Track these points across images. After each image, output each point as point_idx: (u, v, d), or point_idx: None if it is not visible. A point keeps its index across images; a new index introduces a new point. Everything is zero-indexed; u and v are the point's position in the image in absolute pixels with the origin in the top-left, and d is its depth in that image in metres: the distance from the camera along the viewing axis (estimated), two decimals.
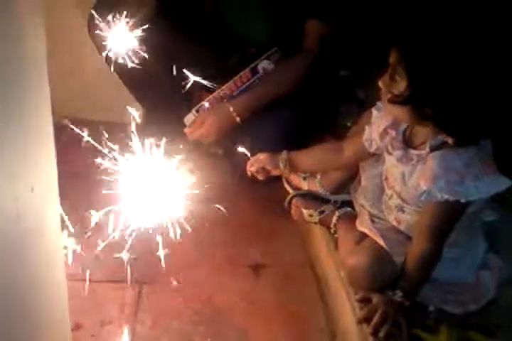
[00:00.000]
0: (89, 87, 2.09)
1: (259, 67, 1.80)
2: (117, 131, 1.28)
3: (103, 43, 1.77)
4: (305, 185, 1.68)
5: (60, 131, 1.16)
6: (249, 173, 1.61)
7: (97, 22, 1.75)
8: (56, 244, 1.03)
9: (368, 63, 1.98)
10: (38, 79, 0.89)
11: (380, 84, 1.24)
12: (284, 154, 1.58)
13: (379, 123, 1.39)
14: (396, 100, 1.19)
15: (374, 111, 1.41)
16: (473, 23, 1.18)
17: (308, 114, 1.83)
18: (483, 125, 1.19)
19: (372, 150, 1.44)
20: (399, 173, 1.32)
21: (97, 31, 1.73)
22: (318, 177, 1.65)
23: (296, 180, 1.69)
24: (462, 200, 1.20)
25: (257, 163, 1.59)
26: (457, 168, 1.20)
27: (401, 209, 1.36)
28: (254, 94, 1.74)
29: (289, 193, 1.67)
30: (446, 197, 1.20)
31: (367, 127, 1.43)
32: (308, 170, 1.65)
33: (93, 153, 1.24)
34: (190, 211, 1.26)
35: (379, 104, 1.39)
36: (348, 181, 1.60)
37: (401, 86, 1.18)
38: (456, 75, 1.13)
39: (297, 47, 1.80)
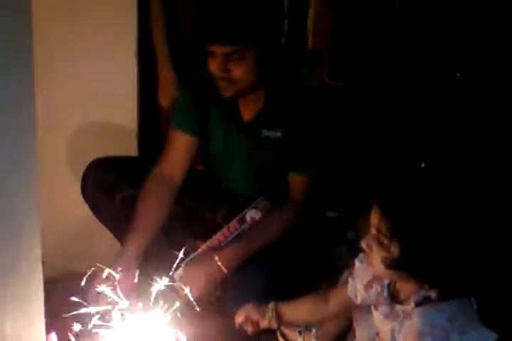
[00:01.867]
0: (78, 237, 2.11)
1: (247, 217, 1.82)
2: None
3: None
4: (301, 340, 1.64)
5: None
6: (237, 325, 1.57)
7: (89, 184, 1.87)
8: None
9: (355, 204, 2.04)
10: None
11: (363, 246, 1.25)
12: (271, 304, 1.56)
13: (362, 275, 1.38)
14: (391, 264, 1.20)
15: (356, 263, 1.41)
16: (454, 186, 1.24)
17: (297, 260, 1.81)
18: (465, 278, 1.20)
19: (358, 302, 1.42)
20: (388, 329, 1.29)
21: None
22: (314, 331, 1.63)
23: (292, 334, 1.64)
24: None
25: (244, 313, 1.57)
26: (441, 323, 1.19)
27: None
28: (241, 245, 1.73)
29: None
30: None
31: (350, 279, 1.42)
32: (296, 322, 1.61)
33: None
34: None
35: (361, 255, 1.39)
36: (345, 333, 1.56)
37: (392, 251, 1.19)
38: (445, 239, 1.16)
39: (284, 195, 1.82)
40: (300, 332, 1.64)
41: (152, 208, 1.75)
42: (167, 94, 2.03)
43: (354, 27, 2.25)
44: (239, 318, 1.58)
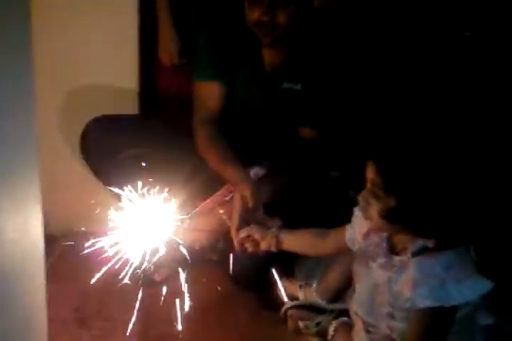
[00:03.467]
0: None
1: (251, 173, 1.84)
2: None
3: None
4: (301, 294, 1.66)
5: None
6: (236, 243, 1.58)
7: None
8: None
9: (356, 164, 2.04)
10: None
11: (360, 199, 1.26)
12: (273, 230, 1.57)
13: (361, 224, 1.39)
14: (387, 216, 1.21)
15: (356, 211, 1.42)
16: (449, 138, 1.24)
17: (302, 219, 1.82)
18: (461, 230, 1.21)
19: (354, 249, 1.44)
20: (385, 280, 1.31)
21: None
22: (314, 285, 1.65)
23: (292, 288, 1.67)
24: (446, 305, 1.19)
25: (246, 231, 1.58)
26: (437, 272, 1.20)
27: (392, 316, 1.33)
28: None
29: (283, 303, 1.64)
30: (428, 303, 1.19)
31: (349, 226, 1.44)
32: (291, 250, 1.61)
33: None
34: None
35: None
36: (345, 288, 1.58)
37: (387, 203, 1.20)
38: (441, 187, 1.17)
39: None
40: (300, 286, 1.66)
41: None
42: (168, 49, 2.01)
43: None
44: (241, 234, 1.58)
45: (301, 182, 1.84)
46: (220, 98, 1.82)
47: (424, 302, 1.20)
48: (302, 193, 1.84)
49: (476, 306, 1.28)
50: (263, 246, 1.57)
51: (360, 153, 1.39)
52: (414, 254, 1.24)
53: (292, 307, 1.62)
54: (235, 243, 1.59)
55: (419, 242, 1.24)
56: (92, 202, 1.55)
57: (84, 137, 1.84)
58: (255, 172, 1.84)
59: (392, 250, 1.32)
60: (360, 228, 1.40)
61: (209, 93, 1.82)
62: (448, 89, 2.06)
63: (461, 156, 1.21)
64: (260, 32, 1.69)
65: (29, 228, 1.01)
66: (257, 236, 1.57)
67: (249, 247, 1.58)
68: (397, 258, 1.29)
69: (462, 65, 2.12)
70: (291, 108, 1.82)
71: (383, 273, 1.32)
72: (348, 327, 1.50)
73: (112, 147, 1.80)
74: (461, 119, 1.94)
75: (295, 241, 1.58)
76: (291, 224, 1.73)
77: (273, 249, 1.56)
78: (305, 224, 1.75)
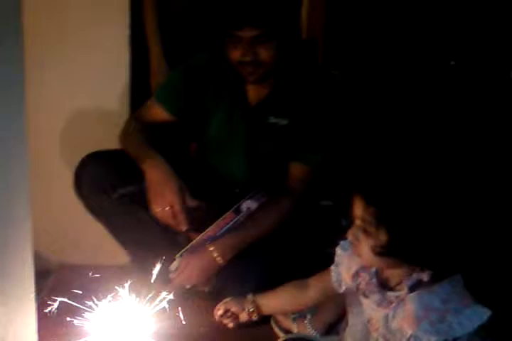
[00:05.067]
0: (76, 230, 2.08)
1: (243, 207, 1.82)
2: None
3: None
4: (295, 327, 1.64)
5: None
6: (216, 318, 1.57)
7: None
8: None
9: (347, 192, 2.04)
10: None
11: (350, 237, 1.25)
12: (250, 297, 1.55)
13: (349, 265, 1.38)
14: (381, 251, 1.20)
15: (338, 251, 1.41)
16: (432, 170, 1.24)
17: (293, 250, 1.82)
18: (455, 258, 1.21)
19: (341, 291, 1.42)
20: (381, 317, 1.29)
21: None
22: (309, 317, 1.63)
23: (286, 321, 1.65)
24: (449, 339, 1.18)
25: (223, 306, 1.57)
26: (436, 306, 1.19)
27: None
28: (237, 235, 1.73)
29: (278, 336, 1.62)
30: (433, 339, 1.17)
31: (333, 267, 1.43)
32: (276, 312, 1.62)
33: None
34: None
35: (343, 243, 1.40)
36: (338, 320, 1.57)
37: (380, 238, 1.19)
38: (432, 216, 1.17)
39: (280, 185, 1.82)
40: (294, 319, 1.64)
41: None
42: (160, 82, 2.02)
43: (348, 16, 2.25)
44: (218, 311, 1.57)
45: (293, 211, 1.82)
46: (160, 122, 1.84)
47: (428, 339, 1.18)
48: (293, 223, 1.82)
49: (470, 335, 1.25)
50: (243, 318, 1.56)
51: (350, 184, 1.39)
52: (411, 289, 1.23)
53: (288, 340, 1.59)
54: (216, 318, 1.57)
55: (414, 276, 1.23)
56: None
57: (78, 175, 1.83)
58: (247, 205, 1.84)
59: (385, 286, 1.31)
60: (347, 267, 1.39)
61: (155, 115, 1.84)
62: (434, 120, 2.09)
63: (449, 185, 1.22)
64: (245, 71, 1.68)
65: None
66: (234, 309, 1.56)
67: (229, 323, 1.56)
68: (392, 294, 1.28)
69: (447, 95, 2.16)
70: (278, 143, 1.80)
71: (378, 310, 1.30)
72: None
73: (106, 185, 1.78)
74: (449, 147, 1.95)
75: (275, 303, 1.57)
76: (280, 262, 1.75)
77: (254, 318, 1.55)
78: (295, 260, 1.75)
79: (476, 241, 1.22)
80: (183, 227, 1.70)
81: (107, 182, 1.78)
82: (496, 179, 1.88)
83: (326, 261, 1.71)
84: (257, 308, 1.55)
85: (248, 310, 1.55)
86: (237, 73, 1.72)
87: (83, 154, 1.82)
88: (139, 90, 2.04)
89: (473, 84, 2.12)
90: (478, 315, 1.20)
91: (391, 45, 2.24)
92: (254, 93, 1.79)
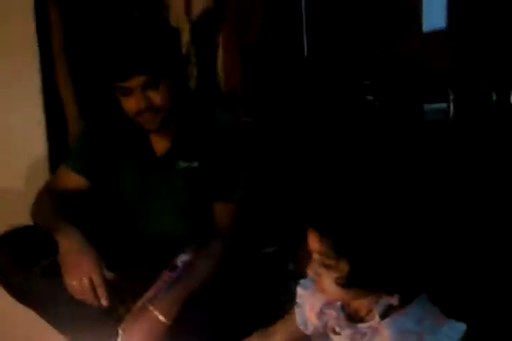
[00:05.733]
0: None
1: (178, 263, 1.71)
2: None
3: None
4: None
5: None
6: None
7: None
8: None
9: (290, 235, 2.02)
10: None
11: (310, 274, 1.19)
12: None
13: (312, 304, 1.30)
14: (345, 282, 1.14)
15: (299, 291, 1.34)
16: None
17: (240, 300, 1.73)
18: (420, 278, 1.16)
19: (309, 332, 1.34)
20: None
21: None
22: None
23: None
24: None
25: None
26: (411, 328, 1.14)
27: None
28: (174, 289, 1.63)
29: None
30: None
31: (296, 309, 1.35)
32: None
33: None
34: None
35: (303, 282, 1.34)
36: None
37: (341, 269, 1.13)
38: (389, 244, 1.12)
39: (212, 232, 1.74)
40: None
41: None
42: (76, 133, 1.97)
43: (264, 67, 2.32)
44: None
45: (231, 265, 1.73)
46: (74, 189, 1.82)
47: None
48: (236, 274, 1.74)
49: None
50: None
51: (296, 222, 1.35)
52: (382, 316, 1.17)
53: None
54: None
55: (382, 302, 1.17)
56: None
57: None
58: (182, 259, 1.76)
59: (354, 318, 1.24)
60: (310, 307, 1.31)
61: (66, 181, 1.82)
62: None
63: (403, 204, 1.18)
64: (144, 120, 1.68)
65: None
66: None
67: None
68: (363, 326, 1.21)
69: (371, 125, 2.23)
70: (196, 187, 1.77)
71: None
72: None
73: (24, 262, 1.66)
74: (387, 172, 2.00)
75: None
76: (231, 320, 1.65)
77: None
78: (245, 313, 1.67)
79: (437, 257, 1.20)
80: (105, 302, 1.61)
81: (27, 257, 1.67)
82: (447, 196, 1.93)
83: (281, 308, 1.66)
84: None
85: None
86: (137, 126, 1.72)
87: None
88: (59, 157, 1.98)
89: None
90: (455, 331, 1.15)
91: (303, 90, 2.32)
92: (158, 143, 1.78)
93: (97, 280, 1.59)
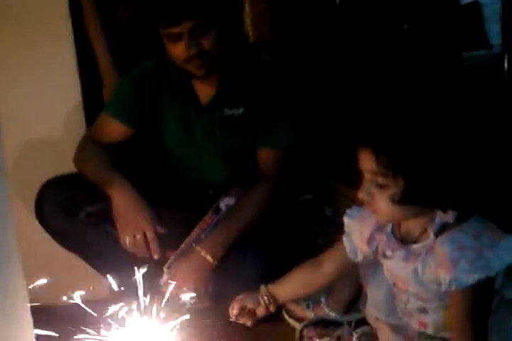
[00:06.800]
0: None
1: (221, 206, 1.75)
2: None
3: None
4: (310, 314, 1.55)
5: None
6: (233, 318, 1.50)
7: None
8: None
9: (327, 182, 2.04)
10: None
11: (361, 196, 1.20)
12: (262, 288, 1.49)
13: (361, 231, 1.33)
14: (401, 199, 1.15)
15: (346, 220, 1.37)
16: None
17: (282, 243, 1.75)
18: (476, 194, 1.18)
19: (358, 260, 1.37)
20: (410, 273, 1.24)
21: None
22: (323, 300, 1.54)
23: (299, 310, 1.56)
24: (491, 275, 1.13)
25: (237, 304, 1.49)
26: (470, 243, 1.15)
27: (423, 311, 1.27)
28: (222, 231, 1.67)
29: (294, 327, 1.54)
30: (475, 278, 1.13)
31: (344, 238, 1.38)
32: (294, 299, 1.54)
33: None
34: None
35: (349, 211, 1.37)
36: (356, 297, 1.50)
37: (398, 185, 1.15)
38: (445, 158, 1.14)
39: (255, 177, 1.76)
40: (307, 305, 1.55)
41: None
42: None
43: (292, 14, 2.28)
44: (233, 311, 1.51)
45: (272, 211, 1.75)
46: (118, 139, 1.80)
47: (469, 279, 1.13)
48: (277, 219, 1.76)
49: (503, 279, 1.22)
50: (260, 312, 1.50)
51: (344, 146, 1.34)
52: (437, 234, 1.19)
53: (306, 326, 1.51)
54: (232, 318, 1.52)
55: (438, 220, 1.19)
56: None
57: (39, 203, 1.73)
58: (226, 202, 1.76)
59: (405, 240, 1.26)
60: (360, 234, 1.34)
61: (109, 130, 1.80)
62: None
63: (459, 120, 1.20)
64: (193, 66, 1.66)
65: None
66: (250, 305, 1.50)
67: (247, 321, 1.51)
68: (418, 246, 1.23)
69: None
70: (241, 134, 1.76)
71: (406, 266, 1.25)
72: (371, 335, 1.42)
73: (70, 207, 1.70)
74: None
75: (290, 289, 1.50)
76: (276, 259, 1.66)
77: (272, 310, 1.50)
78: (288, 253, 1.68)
79: (493, 174, 1.21)
80: (156, 255, 1.66)
81: (71, 203, 1.71)
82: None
83: (319, 252, 1.66)
84: (273, 300, 1.49)
85: (264, 302, 1.48)
86: (183, 73, 1.70)
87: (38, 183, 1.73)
88: (93, 107, 1.95)
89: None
90: None
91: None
92: (203, 90, 1.76)
93: (151, 236, 1.64)
